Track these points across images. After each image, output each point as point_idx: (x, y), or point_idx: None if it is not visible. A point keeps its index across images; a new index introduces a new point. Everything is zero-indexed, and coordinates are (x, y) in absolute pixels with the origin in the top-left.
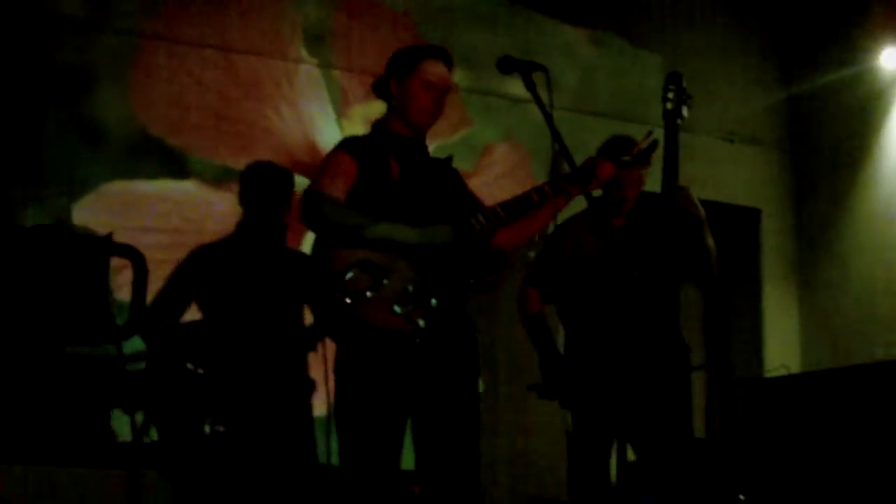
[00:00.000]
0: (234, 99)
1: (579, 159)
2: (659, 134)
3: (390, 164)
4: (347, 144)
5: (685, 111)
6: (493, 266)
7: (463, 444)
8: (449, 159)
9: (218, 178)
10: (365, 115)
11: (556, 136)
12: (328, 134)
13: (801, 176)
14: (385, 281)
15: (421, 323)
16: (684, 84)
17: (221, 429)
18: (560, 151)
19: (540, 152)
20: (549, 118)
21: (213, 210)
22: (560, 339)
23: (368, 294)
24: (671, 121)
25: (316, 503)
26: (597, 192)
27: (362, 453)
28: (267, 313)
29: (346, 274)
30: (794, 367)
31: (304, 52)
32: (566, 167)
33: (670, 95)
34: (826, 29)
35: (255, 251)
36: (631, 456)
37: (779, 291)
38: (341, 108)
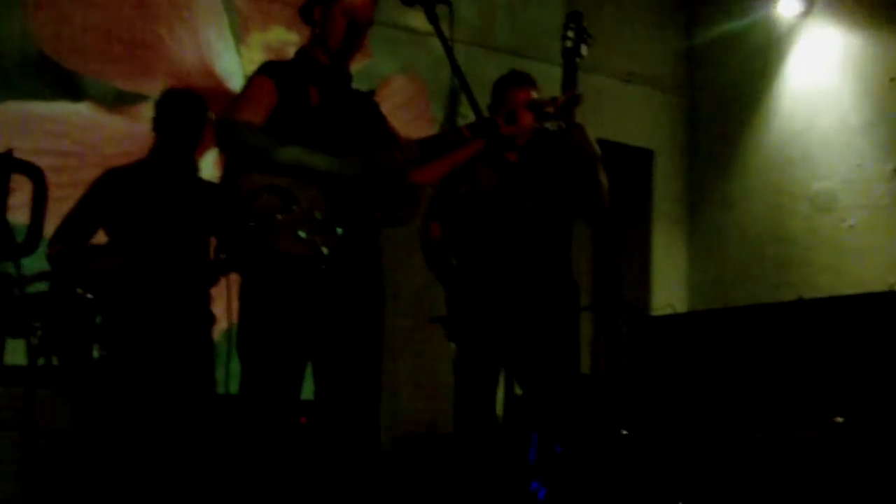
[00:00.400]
0: (133, 22)
1: (476, 94)
2: (557, 72)
3: (309, 91)
4: (268, 69)
5: (584, 50)
6: (405, 202)
7: (363, 377)
8: (371, 93)
9: (113, 101)
10: (264, 42)
11: (456, 70)
12: (227, 60)
13: (696, 120)
14: (293, 206)
15: (325, 250)
16: (584, 23)
17: (106, 354)
18: (460, 86)
19: (437, 86)
20: (450, 52)
21: (108, 133)
22: None
23: (275, 218)
24: (570, 59)
25: (214, 432)
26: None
27: (263, 381)
28: (173, 242)
29: (253, 197)
30: (681, 307)
31: None
32: (464, 101)
33: (570, 34)
34: None
35: (166, 179)
36: (518, 390)
37: (668, 232)
38: (241, 35)
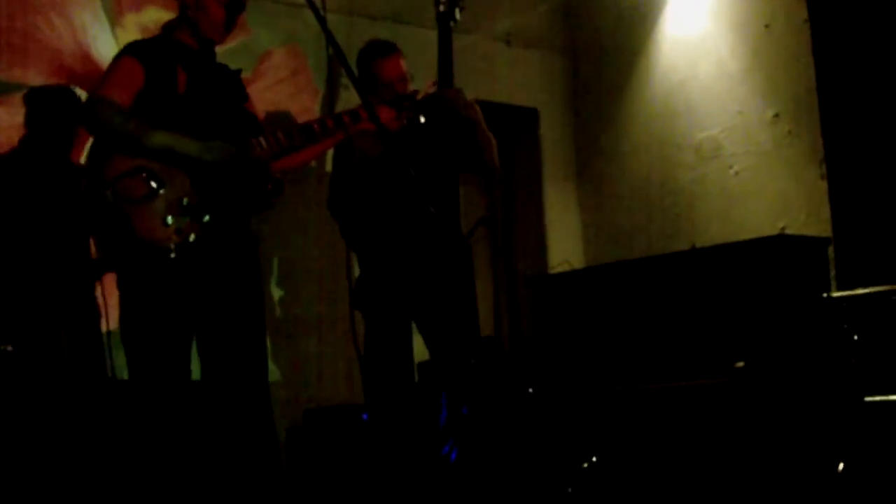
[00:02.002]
0: (4, 10)
1: (356, 62)
2: (435, 36)
3: (177, 74)
4: (134, 49)
5: (458, 14)
6: (270, 191)
7: (247, 355)
8: (238, 72)
9: None
10: (139, 22)
11: (330, 39)
12: (102, 43)
13: (579, 77)
14: (160, 191)
15: (192, 237)
16: None
17: (10, 348)
18: (335, 55)
19: (318, 57)
20: (323, 23)
21: None
22: None
23: (141, 202)
24: (444, 23)
25: (108, 417)
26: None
27: (147, 366)
28: (50, 233)
29: (118, 179)
30: (578, 263)
31: None
32: (342, 72)
33: None
34: None
35: (39, 169)
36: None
37: (559, 190)
38: (115, 17)
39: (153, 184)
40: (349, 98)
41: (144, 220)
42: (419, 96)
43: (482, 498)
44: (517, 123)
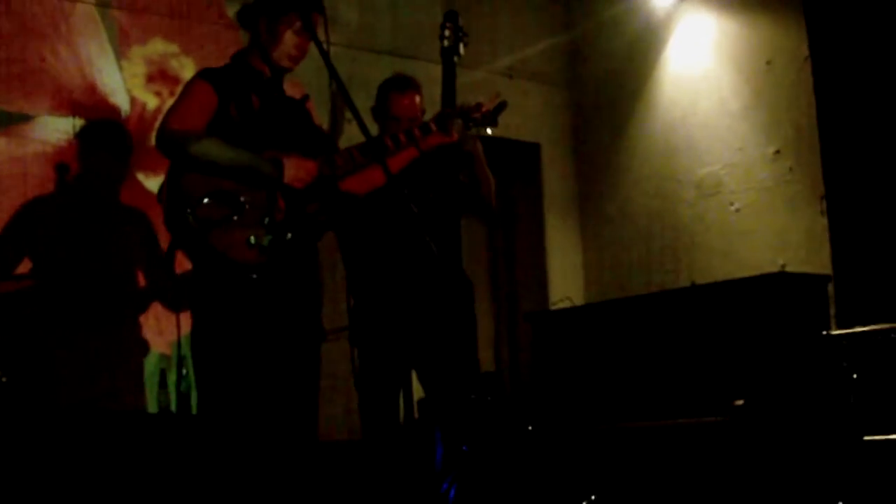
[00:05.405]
0: (11, 40)
1: (360, 96)
2: (440, 70)
3: (251, 97)
4: (207, 74)
5: (462, 49)
6: (345, 206)
7: (303, 381)
8: (305, 98)
9: None
10: (145, 55)
11: (333, 74)
12: (108, 75)
13: (580, 111)
14: (241, 211)
15: (274, 255)
16: (461, 22)
17: (4, 379)
18: (338, 90)
19: (319, 90)
20: (326, 57)
21: None
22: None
23: (222, 226)
24: (448, 58)
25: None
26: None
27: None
28: (98, 270)
29: (197, 204)
30: (578, 299)
31: None
32: (345, 106)
33: (447, 33)
34: None
35: (89, 207)
36: (420, 392)
37: (561, 225)
38: (121, 49)
39: (232, 206)
40: (352, 132)
41: (228, 241)
42: (484, 109)
43: None
44: (519, 158)
